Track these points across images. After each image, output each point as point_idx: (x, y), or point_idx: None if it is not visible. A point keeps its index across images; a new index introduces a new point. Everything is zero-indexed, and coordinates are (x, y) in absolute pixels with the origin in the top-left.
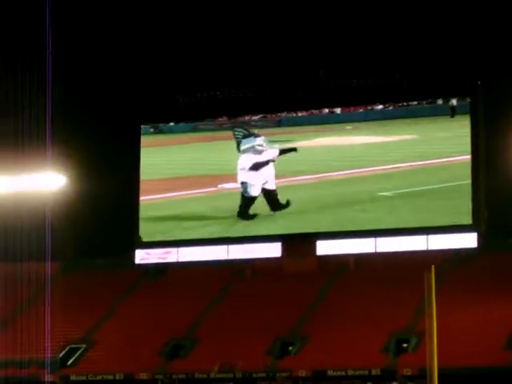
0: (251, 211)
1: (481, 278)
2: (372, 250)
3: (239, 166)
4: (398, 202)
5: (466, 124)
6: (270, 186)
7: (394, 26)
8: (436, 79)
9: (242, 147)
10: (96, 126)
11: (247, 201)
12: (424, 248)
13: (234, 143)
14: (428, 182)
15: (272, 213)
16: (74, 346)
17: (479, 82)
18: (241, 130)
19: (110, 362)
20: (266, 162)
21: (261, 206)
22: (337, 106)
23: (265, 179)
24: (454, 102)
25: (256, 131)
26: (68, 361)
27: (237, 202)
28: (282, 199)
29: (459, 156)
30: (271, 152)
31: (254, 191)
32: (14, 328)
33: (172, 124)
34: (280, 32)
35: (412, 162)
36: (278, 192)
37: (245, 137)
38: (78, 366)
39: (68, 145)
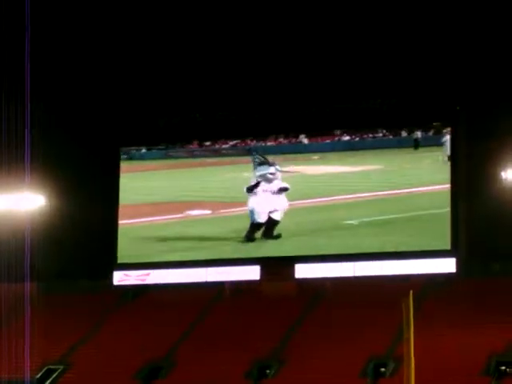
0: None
1: (459, 303)
2: (351, 274)
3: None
4: (367, 230)
5: (428, 156)
6: (276, 217)
7: (372, 51)
8: (416, 106)
9: (257, 173)
10: (75, 147)
11: (253, 227)
12: (403, 273)
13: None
14: (398, 210)
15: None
16: (51, 367)
17: (458, 108)
18: (258, 156)
19: None
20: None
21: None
22: (322, 131)
23: (273, 208)
24: (418, 134)
25: (271, 159)
26: (45, 382)
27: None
28: (275, 231)
29: (427, 186)
30: (282, 184)
31: (260, 218)
32: None
33: (144, 151)
34: (258, 58)
35: (379, 191)
36: (278, 224)
37: (260, 164)
38: None
39: (47, 165)
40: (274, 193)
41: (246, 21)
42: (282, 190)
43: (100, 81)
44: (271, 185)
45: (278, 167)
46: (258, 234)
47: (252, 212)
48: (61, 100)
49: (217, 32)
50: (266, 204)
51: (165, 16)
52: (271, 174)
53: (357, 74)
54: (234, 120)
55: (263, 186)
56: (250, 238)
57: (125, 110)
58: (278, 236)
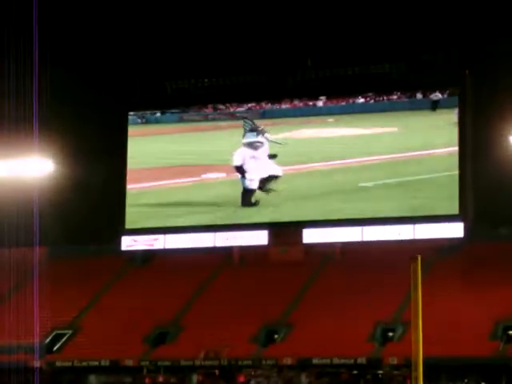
0: (253, 199)
1: (467, 267)
2: (358, 239)
3: (235, 156)
4: (381, 193)
5: (447, 117)
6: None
7: (383, 17)
8: (424, 70)
9: (244, 140)
10: (85, 112)
11: (246, 192)
12: (411, 237)
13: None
14: (412, 173)
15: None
16: (60, 331)
17: (467, 72)
18: (250, 122)
19: (95, 348)
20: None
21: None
22: (329, 95)
23: (265, 174)
24: (438, 95)
25: (262, 127)
26: (54, 346)
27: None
28: (253, 198)
29: (442, 149)
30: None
31: (251, 184)
32: (1, 313)
33: (158, 115)
34: (269, 20)
35: (393, 154)
36: (255, 191)
37: (251, 130)
38: (64, 351)
39: (56, 131)
40: (262, 159)
41: None
42: (271, 156)
43: (109, 47)
44: (258, 152)
45: (267, 135)
46: (253, 198)
47: (243, 179)
48: (70, 66)
49: None
50: (256, 170)
51: None
52: (259, 142)
53: (368, 40)
54: (248, 83)
55: (249, 152)
56: (245, 202)
57: (133, 75)
58: (254, 204)
